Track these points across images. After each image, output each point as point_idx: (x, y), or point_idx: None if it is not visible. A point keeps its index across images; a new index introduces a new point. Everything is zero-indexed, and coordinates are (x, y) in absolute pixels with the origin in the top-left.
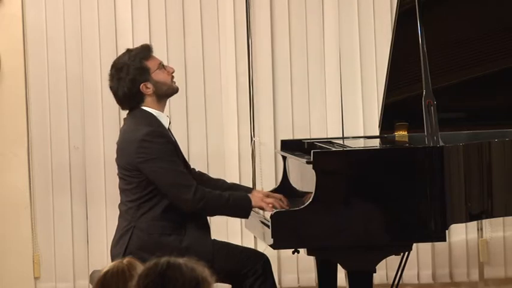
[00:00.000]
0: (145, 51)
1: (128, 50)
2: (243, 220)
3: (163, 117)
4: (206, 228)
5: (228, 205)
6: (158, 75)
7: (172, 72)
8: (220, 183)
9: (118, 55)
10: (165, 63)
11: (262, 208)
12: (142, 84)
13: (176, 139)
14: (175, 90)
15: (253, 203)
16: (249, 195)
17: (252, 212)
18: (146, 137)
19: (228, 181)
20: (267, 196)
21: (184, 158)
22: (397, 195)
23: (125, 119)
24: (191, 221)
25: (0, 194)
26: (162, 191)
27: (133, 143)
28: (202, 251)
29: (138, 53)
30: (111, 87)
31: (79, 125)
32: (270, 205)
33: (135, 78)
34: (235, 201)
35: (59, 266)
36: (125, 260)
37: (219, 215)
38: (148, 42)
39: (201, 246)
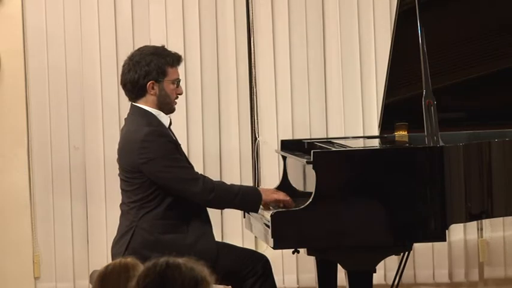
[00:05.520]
0: (175, 59)
1: (163, 47)
2: (243, 220)
3: (163, 117)
4: (209, 225)
5: (238, 197)
6: (168, 87)
7: (180, 94)
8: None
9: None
10: None
11: (276, 201)
12: (150, 82)
13: (177, 139)
14: (171, 110)
15: (264, 197)
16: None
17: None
18: (147, 137)
19: (228, 182)
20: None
21: (187, 157)
22: (397, 195)
23: (125, 119)
24: (194, 219)
25: (0, 194)
26: (171, 188)
27: (134, 144)
28: (207, 248)
29: (168, 55)
30: (125, 65)
31: (79, 125)
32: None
33: (150, 72)
34: (245, 193)
35: (59, 266)
36: (127, 259)
37: (227, 207)
38: (179, 54)
39: (206, 243)
